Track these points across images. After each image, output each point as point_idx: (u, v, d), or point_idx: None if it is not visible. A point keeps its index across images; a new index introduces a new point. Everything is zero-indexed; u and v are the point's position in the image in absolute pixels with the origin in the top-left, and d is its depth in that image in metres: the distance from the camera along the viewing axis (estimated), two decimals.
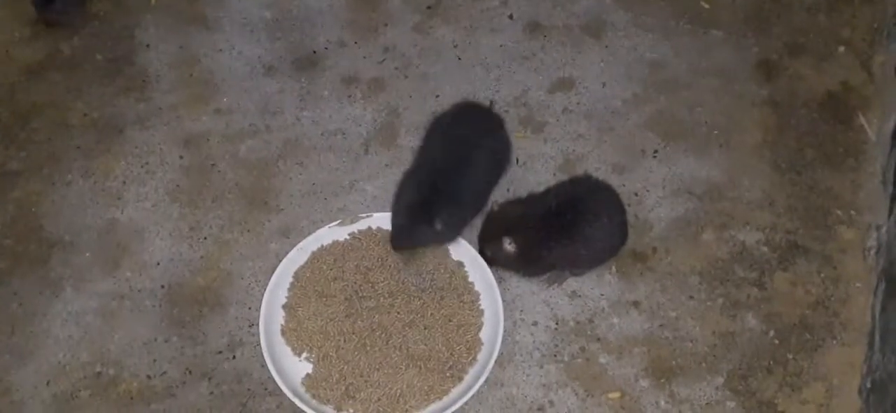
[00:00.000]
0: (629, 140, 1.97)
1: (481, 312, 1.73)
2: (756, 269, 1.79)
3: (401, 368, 1.66)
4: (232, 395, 1.66)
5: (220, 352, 1.72)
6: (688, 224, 1.85)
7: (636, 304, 1.76)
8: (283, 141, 2.00)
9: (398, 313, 1.71)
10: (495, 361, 1.65)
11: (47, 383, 1.68)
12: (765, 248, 1.81)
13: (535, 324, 1.74)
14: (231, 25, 2.19)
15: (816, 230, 1.82)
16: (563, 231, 1.73)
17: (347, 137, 2.01)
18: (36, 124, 2.04)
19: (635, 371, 1.68)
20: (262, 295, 1.73)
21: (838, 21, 2.07)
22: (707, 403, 1.63)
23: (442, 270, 1.77)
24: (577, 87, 2.06)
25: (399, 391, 1.63)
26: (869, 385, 1.61)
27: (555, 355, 1.70)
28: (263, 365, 1.66)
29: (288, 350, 1.70)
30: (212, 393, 1.67)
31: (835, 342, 1.70)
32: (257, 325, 1.70)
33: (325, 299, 1.73)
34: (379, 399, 1.63)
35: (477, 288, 1.76)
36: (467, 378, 1.65)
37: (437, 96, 2.06)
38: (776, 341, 1.70)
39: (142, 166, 1.97)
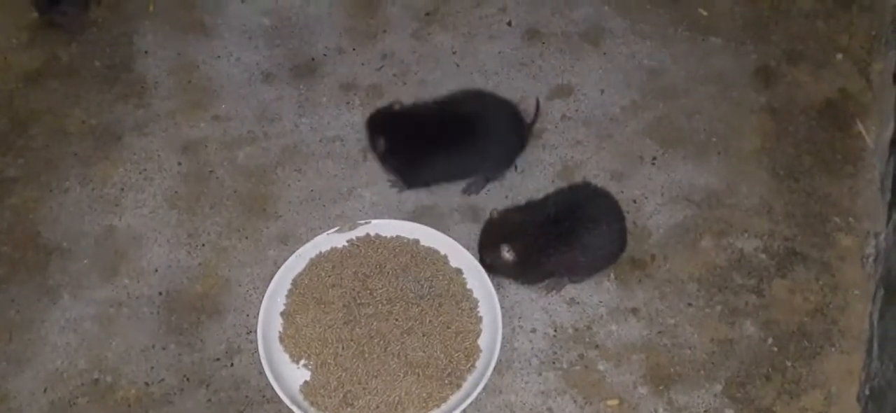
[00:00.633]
0: (628, 147, 1.97)
1: (480, 319, 1.73)
2: (754, 277, 1.78)
3: (399, 375, 1.65)
4: (230, 403, 1.66)
5: (218, 359, 1.72)
6: (686, 231, 1.85)
7: (635, 311, 1.76)
8: (282, 148, 2.00)
9: (396, 320, 1.71)
10: (494, 368, 1.65)
11: (45, 390, 1.68)
12: (763, 256, 1.81)
13: (533, 331, 1.74)
14: (229, 32, 2.19)
15: (815, 237, 1.82)
16: (561, 238, 1.73)
17: (346, 144, 2.01)
18: (34, 131, 2.03)
19: (634, 378, 1.68)
20: (260, 302, 1.73)
21: (836, 28, 2.07)
22: (705, 411, 1.63)
23: (440, 277, 1.77)
24: (575, 93, 2.06)
25: (397, 398, 1.63)
26: (867, 392, 1.60)
27: (553, 362, 1.70)
28: (261, 372, 1.66)
29: (286, 357, 1.69)
30: (209, 400, 1.66)
31: (833, 349, 1.70)
32: (255, 332, 1.70)
33: (323, 306, 1.73)
34: (377, 406, 1.62)
35: (475, 295, 1.75)
36: (466, 385, 1.65)
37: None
38: (775, 349, 1.70)
39: (140, 173, 1.97)
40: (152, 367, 1.71)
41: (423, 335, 1.70)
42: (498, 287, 1.75)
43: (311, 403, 1.63)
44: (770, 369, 1.68)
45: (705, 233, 1.85)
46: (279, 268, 1.77)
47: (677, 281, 1.79)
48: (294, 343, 1.70)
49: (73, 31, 2.19)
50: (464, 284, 1.77)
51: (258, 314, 1.71)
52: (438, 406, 1.63)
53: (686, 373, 1.68)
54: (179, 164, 1.98)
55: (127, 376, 1.70)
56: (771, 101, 2.00)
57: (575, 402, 1.65)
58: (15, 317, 1.77)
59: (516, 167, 1.94)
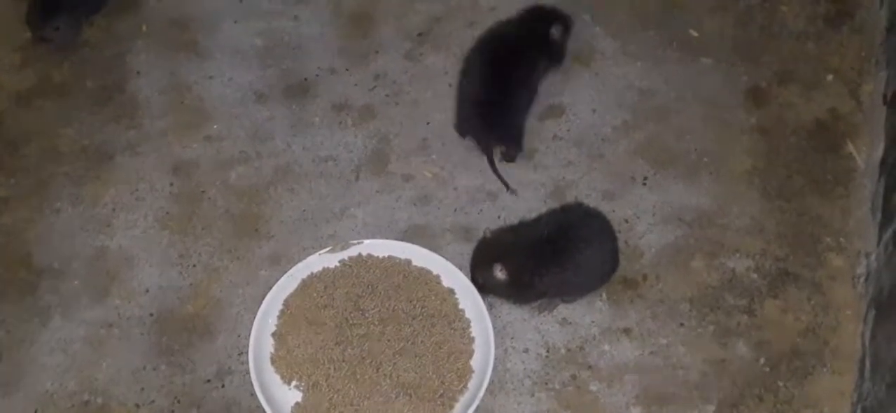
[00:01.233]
0: (619, 167, 1.98)
1: (472, 340, 1.72)
2: (746, 297, 1.79)
3: (391, 397, 1.65)
4: None
5: (209, 380, 1.71)
6: (678, 251, 1.85)
7: (627, 331, 1.76)
8: (274, 168, 2.00)
9: (389, 341, 1.71)
10: (486, 389, 1.64)
11: (35, 412, 1.67)
12: (755, 276, 1.81)
13: (526, 351, 1.73)
14: (222, 53, 2.19)
15: (806, 257, 1.83)
16: (554, 258, 1.74)
17: (338, 164, 2.01)
18: (25, 151, 2.03)
19: (626, 399, 1.67)
20: (252, 323, 1.72)
21: (827, 49, 2.08)
22: None
23: (432, 297, 1.77)
24: (567, 114, 2.06)
25: None
26: None
27: (546, 383, 1.69)
28: (253, 394, 1.65)
29: (277, 378, 1.68)
30: None
31: (825, 370, 1.70)
32: (246, 353, 1.69)
33: (314, 327, 1.72)
34: None
35: (467, 315, 1.75)
36: (458, 406, 1.64)
37: (428, 123, 2.06)
38: (767, 369, 1.70)
39: (131, 193, 1.97)
40: (143, 389, 1.70)
41: (416, 356, 1.69)
42: (490, 307, 1.75)
43: None
44: (762, 390, 1.68)
45: (697, 253, 1.85)
46: (271, 288, 1.77)
47: (669, 301, 1.79)
48: (286, 364, 1.69)
49: (65, 50, 2.19)
50: (456, 305, 1.76)
51: (249, 335, 1.71)
52: None
53: (679, 393, 1.68)
54: (171, 184, 1.98)
55: (117, 398, 1.69)
56: (762, 122, 2.01)
57: None
58: (5, 338, 1.76)
59: (508, 188, 1.95)
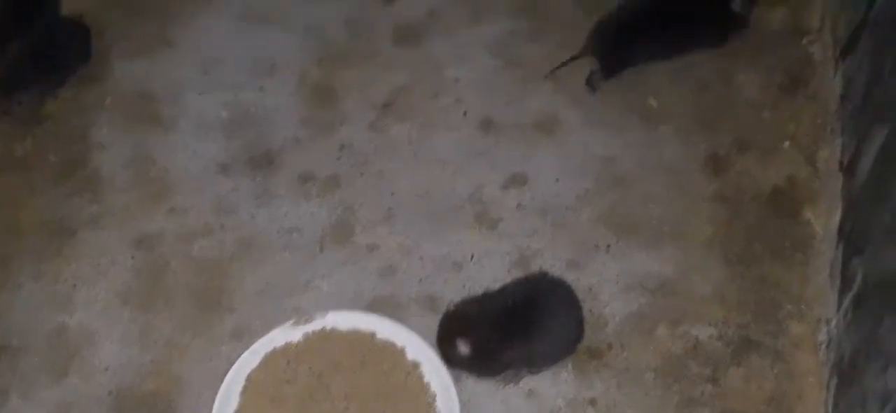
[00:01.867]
0: (583, 235, 1.99)
1: None
2: (710, 365, 1.79)
3: None
4: None
5: None
6: (642, 319, 1.86)
7: (592, 401, 1.76)
8: (237, 240, 1.99)
9: None
10: None
11: None
12: (718, 344, 1.82)
13: None
14: (187, 125, 2.19)
15: (768, 325, 1.84)
16: (519, 329, 1.74)
17: (303, 235, 2.01)
18: None
19: None
20: (213, 400, 1.70)
21: (783, 117, 2.12)
22: None
23: (397, 371, 1.76)
24: (530, 182, 2.08)
25: None
26: None
27: None
28: None
29: None
30: None
31: None
32: None
33: (277, 404, 1.71)
34: None
35: (433, 389, 1.74)
36: None
37: (393, 193, 2.07)
38: None
39: (93, 268, 1.95)
40: None
41: None
42: (457, 380, 1.74)
43: None
44: None
45: (661, 321, 1.86)
46: (233, 364, 1.75)
47: (635, 370, 1.79)
48: None
49: (28, 124, 2.18)
50: (421, 378, 1.75)
51: None
52: None
53: None
54: (133, 258, 1.97)
55: None
56: (721, 190, 2.03)
57: None
58: None
59: (472, 257, 1.95)
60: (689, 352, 1.81)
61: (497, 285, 1.85)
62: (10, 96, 2.17)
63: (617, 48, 2.20)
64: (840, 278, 1.79)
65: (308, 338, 1.80)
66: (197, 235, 2.00)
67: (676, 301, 1.88)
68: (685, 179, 2.06)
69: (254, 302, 1.90)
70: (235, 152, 2.14)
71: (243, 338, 1.83)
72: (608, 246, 1.97)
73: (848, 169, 1.90)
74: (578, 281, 1.89)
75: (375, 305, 1.89)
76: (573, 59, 2.18)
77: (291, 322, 1.81)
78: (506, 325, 1.74)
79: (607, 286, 1.91)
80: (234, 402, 1.72)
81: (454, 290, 1.88)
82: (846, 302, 1.74)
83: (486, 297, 1.82)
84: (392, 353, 1.78)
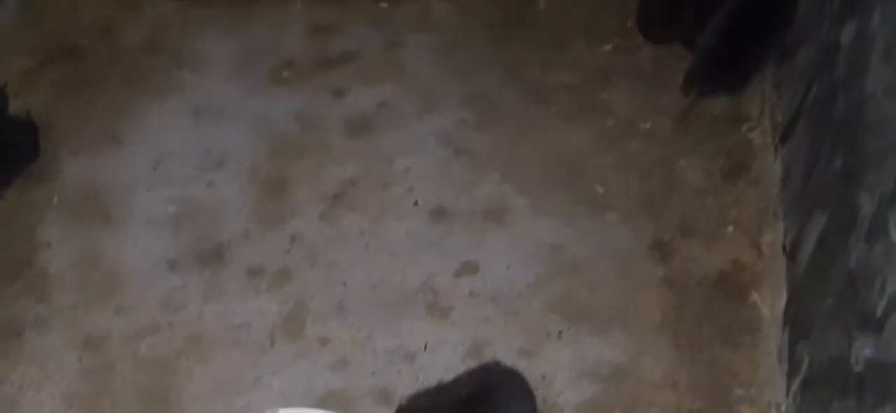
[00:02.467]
0: (535, 323, 2.00)
1: None
2: None
3: None
4: None
5: None
6: (596, 408, 1.86)
7: None
8: (185, 337, 1.97)
9: None
10: None
11: None
12: None
13: None
14: (135, 221, 2.18)
15: (719, 409, 1.84)
16: None
17: (252, 330, 1.99)
18: None
19: None
20: None
21: (726, 202, 2.16)
22: None
23: None
24: (482, 270, 2.09)
25: None
26: None
27: None
28: None
29: None
30: None
31: None
32: None
33: None
34: None
35: None
36: None
37: (345, 284, 2.06)
38: None
39: (39, 370, 1.92)
40: None
41: None
42: None
43: None
44: None
45: (614, 408, 1.86)
46: None
47: None
48: None
49: None
50: None
51: None
52: None
53: None
54: (80, 359, 1.93)
55: None
56: (668, 274, 2.06)
57: None
58: None
59: (426, 346, 1.95)
60: None
61: (450, 376, 1.84)
62: None
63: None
64: (788, 363, 1.82)
65: None
66: (145, 333, 1.97)
67: (629, 387, 1.89)
68: (633, 265, 2.08)
69: (202, 401, 1.87)
70: (184, 247, 2.13)
71: None
72: (560, 333, 1.98)
73: (791, 253, 1.94)
74: (531, 369, 1.89)
75: (327, 401, 1.87)
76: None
77: None
78: None
79: (560, 374, 1.91)
80: None
81: (407, 383, 1.87)
82: (795, 386, 1.76)
83: (440, 389, 1.81)
84: None
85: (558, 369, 1.92)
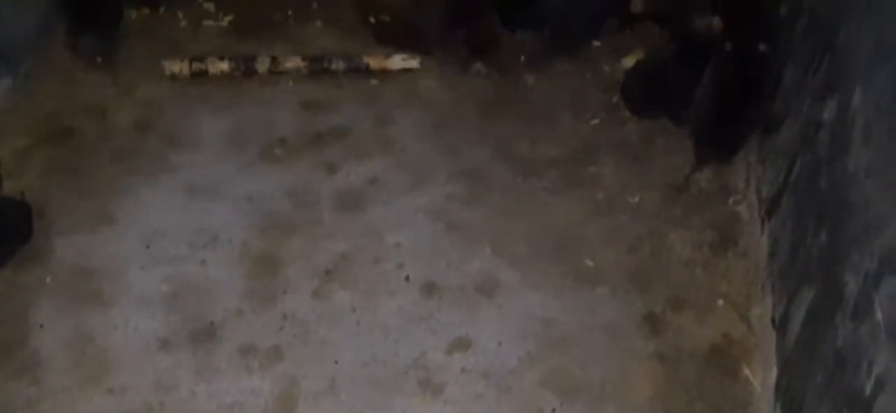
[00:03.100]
0: (527, 399, 2.00)
1: None
2: None
3: None
4: None
5: None
6: None
7: None
8: None
9: None
10: None
11: None
12: None
13: None
14: (127, 301, 2.18)
15: None
16: None
17: (245, 410, 1.98)
18: None
19: None
20: None
21: (714, 275, 2.18)
22: None
23: None
24: (473, 346, 2.09)
25: None
26: None
27: None
28: None
29: None
30: None
31: None
32: None
33: None
34: None
35: None
36: None
37: (337, 362, 2.06)
38: None
39: None
40: None
41: None
42: None
43: None
44: None
45: None
46: None
47: None
48: None
49: None
50: None
51: None
52: None
53: None
54: None
55: None
56: (659, 348, 2.07)
57: None
58: None
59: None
60: None
61: None
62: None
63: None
64: None
65: None
66: None
67: None
68: (624, 339, 2.09)
69: None
70: (176, 326, 2.13)
71: None
72: (553, 410, 1.97)
73: (780, 326, 1.95)
74: None
75: None
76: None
77: None
78: None
79: None
80: None
81: None
82: None
83: None
84: None
85: None
